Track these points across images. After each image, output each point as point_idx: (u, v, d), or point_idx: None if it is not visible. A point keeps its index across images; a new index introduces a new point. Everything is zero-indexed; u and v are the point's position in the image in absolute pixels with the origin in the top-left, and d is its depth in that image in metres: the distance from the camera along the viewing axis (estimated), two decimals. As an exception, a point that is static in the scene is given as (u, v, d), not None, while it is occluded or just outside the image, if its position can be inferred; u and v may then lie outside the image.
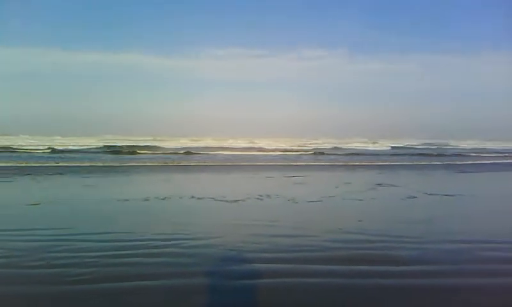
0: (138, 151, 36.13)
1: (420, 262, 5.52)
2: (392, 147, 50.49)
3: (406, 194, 11.97)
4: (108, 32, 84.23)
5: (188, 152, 36.05)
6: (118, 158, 28.76)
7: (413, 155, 37.87)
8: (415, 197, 11.46)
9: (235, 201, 10.46)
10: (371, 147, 50.95)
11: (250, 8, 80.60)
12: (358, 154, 37.86)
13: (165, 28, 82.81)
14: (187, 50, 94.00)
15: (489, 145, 55.70)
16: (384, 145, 52.83)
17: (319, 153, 38.77)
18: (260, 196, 11.31)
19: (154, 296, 4.40)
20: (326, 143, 52.97)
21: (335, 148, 46.41)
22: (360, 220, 8.28)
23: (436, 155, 37.03)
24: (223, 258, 5.73)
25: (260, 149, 42.32)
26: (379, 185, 14.40)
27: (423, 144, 56.10)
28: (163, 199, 10.68)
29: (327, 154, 37.62)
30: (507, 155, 38.38)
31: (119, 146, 40.14)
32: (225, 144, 46.93)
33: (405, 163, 27.93)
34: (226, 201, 10.40)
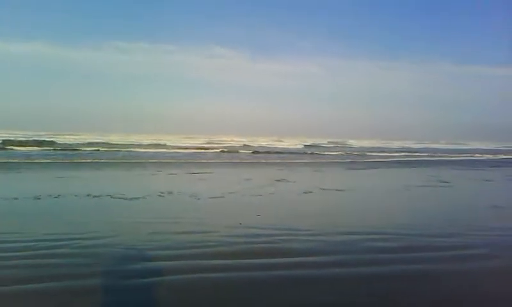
0: (29, 146, 33.42)
1: (313, 253, 5.84)
2: (304, 145, 52.84)
3: (302, 189, 12.59)
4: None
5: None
6: (6, 154, 26.38)
7: (317, 153, 39.66)
8: (311, 192, 12.11)
9: (135, 198, 10.20)
10: (279, 145, 52.80)
11: (159, 2, 78.88)
12: (266, 152, 38.64)
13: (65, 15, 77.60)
14: (89, 41, 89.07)
15: (385, 144, 60.89)
16: (293, 144, 55.05)
17: (226, 150, 39.01)
18: (162, 193, 11.15)
19: (38, 300, 4.17)
20: (233, 141, 53.57)
21: (245, 145, 47.06)
22: (258, 215, 8.57)
23: (337, 153, 39.19)
24: (122, 256, 5.60)
25: (165, 146, 41.45)
26: (279, 181, 14.99)
27: (329, 143, 59.52)
28: (56, 197, 10.08)
29: (233, 152, 37.98)
30: (402, 153, 41.99)
31: (9, 140, 36.75)
32: (128, 141, 45.29)
33: (306, 160, 29.34)
34: (125, 199, 10.11)
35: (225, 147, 42.52)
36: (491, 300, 4.42)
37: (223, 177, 17.38)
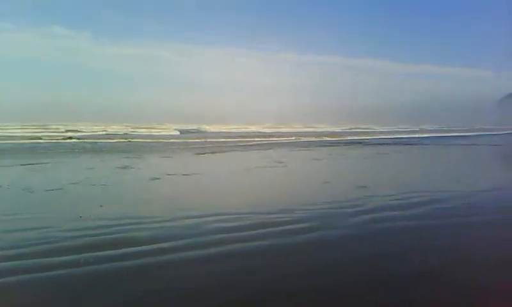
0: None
1: (160, 240, 5.86)
2: (180, 132, 51.53)
3: (149, 176, 12.47)
4: None
5: None
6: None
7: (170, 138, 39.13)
8: (157, 178, 12.06)
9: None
10: (154, 132, 50.85)
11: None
12: (109, 139, 36.65)
13: None
14: None
15: (244, 129, 63.10)
16: (171, 129, 53.46)
17: (72, 138, 35.84)
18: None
19: None
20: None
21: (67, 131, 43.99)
22: (101, 206, 8.28)
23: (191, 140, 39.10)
24: None
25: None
26: (125, 168, 14.59)
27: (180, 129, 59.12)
28: None
29: (80, 139, 35.12)
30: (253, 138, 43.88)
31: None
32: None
33: (156, 147, 28.82)
34: None
35: (62, 135, 39.23)
36: (316, 269, 5.03)
37: (63, 167, 16.16)
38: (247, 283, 4.53)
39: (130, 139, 36.04)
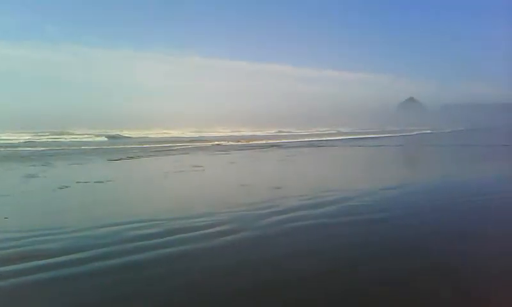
0: None
1: (71, 251, 5.65)
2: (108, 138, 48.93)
3: (58, 184, 11.79)
4: None
5: None
6: None
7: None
8: (67, 187, 11.47)
9: None
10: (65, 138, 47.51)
11: None
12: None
13: None
14: None
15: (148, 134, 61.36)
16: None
17: None
18: None
19: None
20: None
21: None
22: (6, 218, 7.76)
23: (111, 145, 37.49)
24: None
25: None
26: (32, 177, 13.68)
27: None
28: None
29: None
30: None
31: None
32: None
33: (59, 154, 27.20)
34: None
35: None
36: (238, 268, 5.17)
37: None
38: (165, 290, 4.51)
39: (35, 147, 33.65)
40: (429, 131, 74.40)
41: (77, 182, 12.23)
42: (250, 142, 39.28)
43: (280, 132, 78.65)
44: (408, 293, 4.33)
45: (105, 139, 51.01)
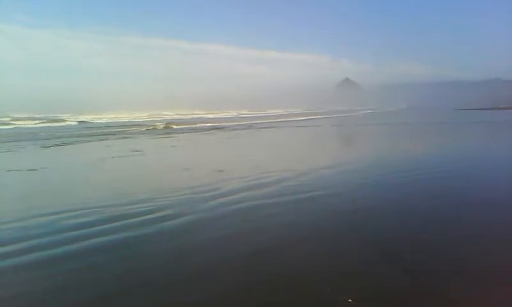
0: None
1: (4, 243, 5.48)
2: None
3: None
4: None
5: None
6: None
7: None
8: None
9: None
10: None
11: None
12: None
13: None
14: None
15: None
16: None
17: None
18: None
19: None
20: None
21: None
22: None
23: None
24: None
25: None
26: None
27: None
28: None
29: None
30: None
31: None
32: None
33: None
34: None
35: None
36: (181, 252, 5.23)
37: None
38: (103, 278, 4.48)
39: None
40: (370, 111, 76.07)
41: (8, 170, 11.62)
42: (192, 126, 38.89)
43: (219, 113, 78.20)
44: (341, 266, 4.62)
45: (43, 125, 48.06)
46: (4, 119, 53.06)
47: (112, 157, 14.81)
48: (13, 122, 51.52)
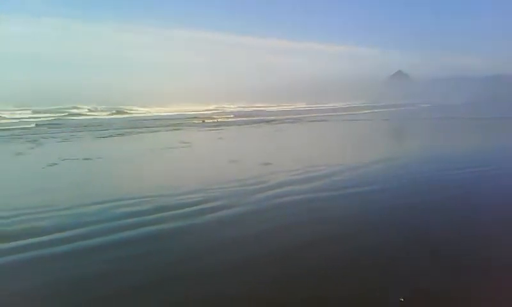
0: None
1: (60, 229, 5.67)
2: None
3: (46, 162, 11.73)
4: None
5: None
6: None
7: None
8: (55, 164, 11.41)
9: None
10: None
11: None
12: None
13: None
14: None
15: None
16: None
17: None
18: None
19: None
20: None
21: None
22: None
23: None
24: None
25: None
26: (19, 154, 13.57)
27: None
28: None
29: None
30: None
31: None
32: None
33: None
34: None
35: None
36: (229, 243, 5.25)
37: None
38: (154, 265, 4.57)
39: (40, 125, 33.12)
40: (427, 104, 71.94)
41: (65, 159, 12.15)
42: (241, 119, 39.02)
43: (268, 106, 77.62)
44: (390, 264, 4.44)
45: (107, 116, 49.62)
46: (71, 110, 55.51)
47: (161, 148, 15.12)
48: (86, 113, 53.70)
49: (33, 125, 30.57)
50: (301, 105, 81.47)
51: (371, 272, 4.27)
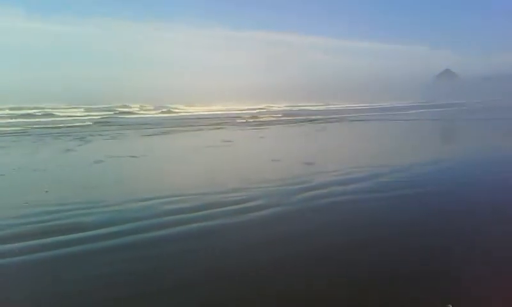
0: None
1: (106, 225, 5.84)
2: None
3: (92, 159, 12.12)
4: None
5: None
6: None
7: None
8: (101, 161, 11.78)
9: None
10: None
11: None
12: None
13: None
14: None
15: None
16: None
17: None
18: None
19: None
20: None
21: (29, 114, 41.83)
22: (47, 191, 8.07)
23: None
24: None
25: None
26: (67, 151, 14.17)
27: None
28: None
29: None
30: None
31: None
32: None
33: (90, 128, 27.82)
34: None
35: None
36: (271, 242, 5.23)
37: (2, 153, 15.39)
38: (195, 264, 4.63)
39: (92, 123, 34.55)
40: (479, 104, 68.24)
41: (111, 157, 12.56)
42: (286, 118, 38.82)
43: (315, 105, 76.73)
44: (438, 271, 4.28)
45: (153, 115, 50.89)
46: (123, 109, 57.42)
47: (204, 146, 15.31)
48: (137, 111, 55.50)
49: (89, 123, 31.79)
50: (349, 104, 79.74)
51: (418, 276, 4.14)
